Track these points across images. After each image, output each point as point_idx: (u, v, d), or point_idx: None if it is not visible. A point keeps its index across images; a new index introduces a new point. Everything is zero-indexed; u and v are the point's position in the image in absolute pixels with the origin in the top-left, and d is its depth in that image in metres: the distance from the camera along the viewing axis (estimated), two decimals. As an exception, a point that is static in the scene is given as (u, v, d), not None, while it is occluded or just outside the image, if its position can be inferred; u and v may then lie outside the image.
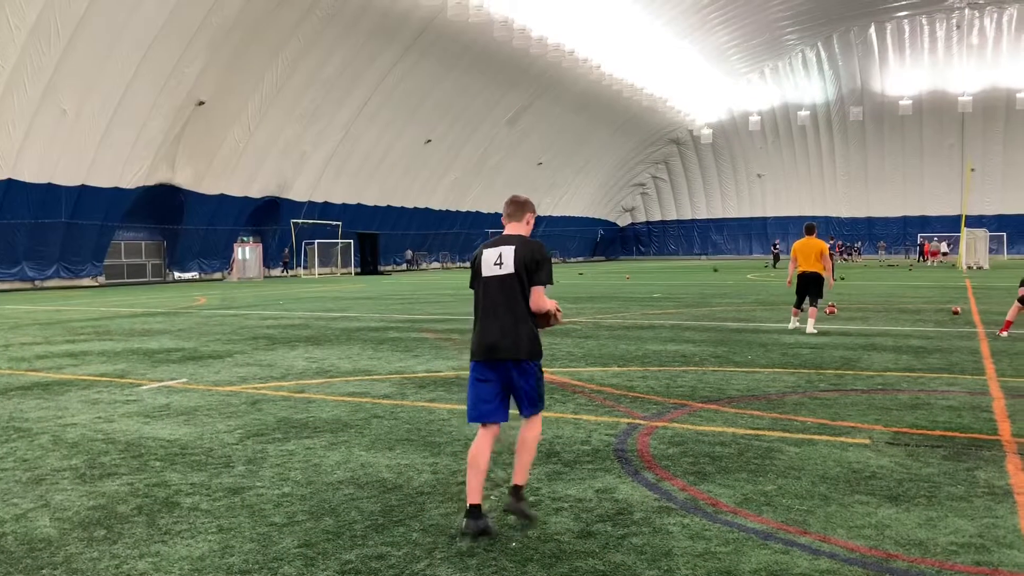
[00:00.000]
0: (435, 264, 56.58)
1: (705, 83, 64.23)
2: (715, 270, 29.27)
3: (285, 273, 43.58)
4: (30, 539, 4.22)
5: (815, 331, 12.94)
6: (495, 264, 4.41)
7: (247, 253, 41.13)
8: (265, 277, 41.60)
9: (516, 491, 4.42)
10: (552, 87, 51.07)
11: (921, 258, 55.00)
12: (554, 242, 69.67)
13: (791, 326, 13.44)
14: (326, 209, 45.22)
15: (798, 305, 13.46)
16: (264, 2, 32.56)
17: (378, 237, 48.42)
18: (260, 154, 39.08)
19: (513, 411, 4.55)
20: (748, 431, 6.42)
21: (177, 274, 39.21)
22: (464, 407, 7.35)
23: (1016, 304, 12.29)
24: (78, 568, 3.83)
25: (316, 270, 44.07)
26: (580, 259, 73.25)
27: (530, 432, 4.49)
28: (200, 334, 14.07)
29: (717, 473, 5.28)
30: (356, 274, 45.62)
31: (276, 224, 43.02)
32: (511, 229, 4.58)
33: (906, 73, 63.76)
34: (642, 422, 6.77)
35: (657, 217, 79.09)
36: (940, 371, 9.28)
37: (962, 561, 3.83)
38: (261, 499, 4.82)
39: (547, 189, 64.05)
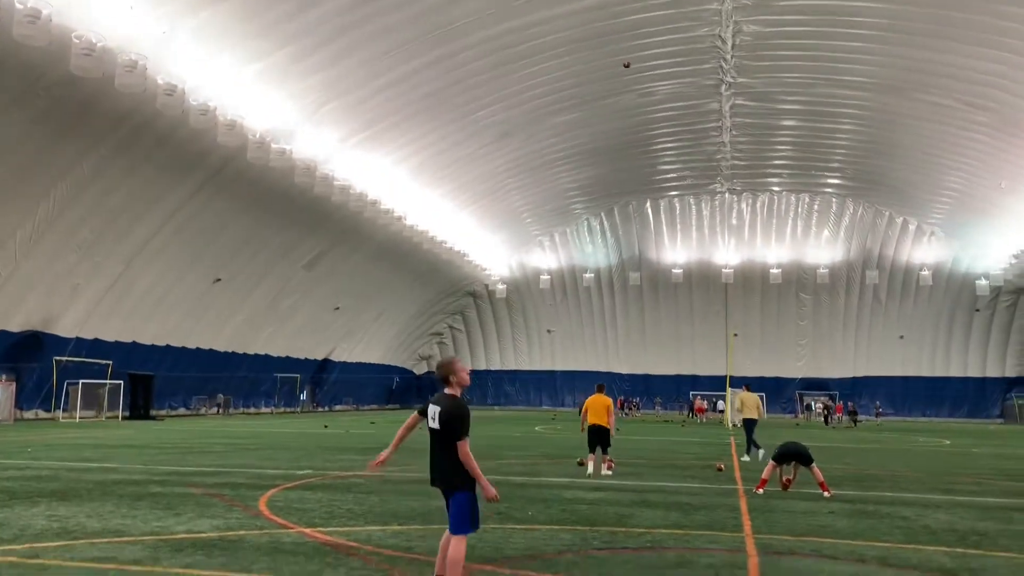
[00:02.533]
0: (215, 411, 53.26)
1: (501, 242, 67.42)
2: (325, 426, 31.93)
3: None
4: None
5: (610, 473, 15.02)
6: (431, 419, 6.05)
7: (-4, 392, 36.80)
8: (17, 420, 37.24)
9: None
10: (353, 234, 51.42)
11: (691, 414, 58.90)
12: (349, 389, 68.20)
13: (589, 470, 15.28)
14: (96, 346, 41.74)
15: (592, 451, 15.44)
16: (49, 128, 30.90)
17: (153, 379, 45.10)
18: (25, 285, 35.87)
19: None
20: (521, 594, 6.36)
21: (-93, 414, 34.25)
22: (224, 574, 6.84)
23: (771, 463, 13.31)
24: None
25: (78, 413, 40.07)
26: (374, 407, 71.92)
27: (455, 552, 5.83)
28: (-80, 487, 12.19)
29: (486, 641, 5.14)
30: (123, 419, 41.93)
31: (37, 361, 39.05)
32: (452, 389, 6.26)
33: (677, 245, 70.40)
34: (416, 587, 6.54)
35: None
36: (704, 528, 9.77)
37: None
38: None
39: (343, 335, 63.18)
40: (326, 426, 36.20)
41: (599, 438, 15.21)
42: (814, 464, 13.06)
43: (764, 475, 13.25)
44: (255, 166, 38.55)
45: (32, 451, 19.31)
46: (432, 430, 6.03)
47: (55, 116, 30.67)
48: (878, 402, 61.81)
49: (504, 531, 9.18)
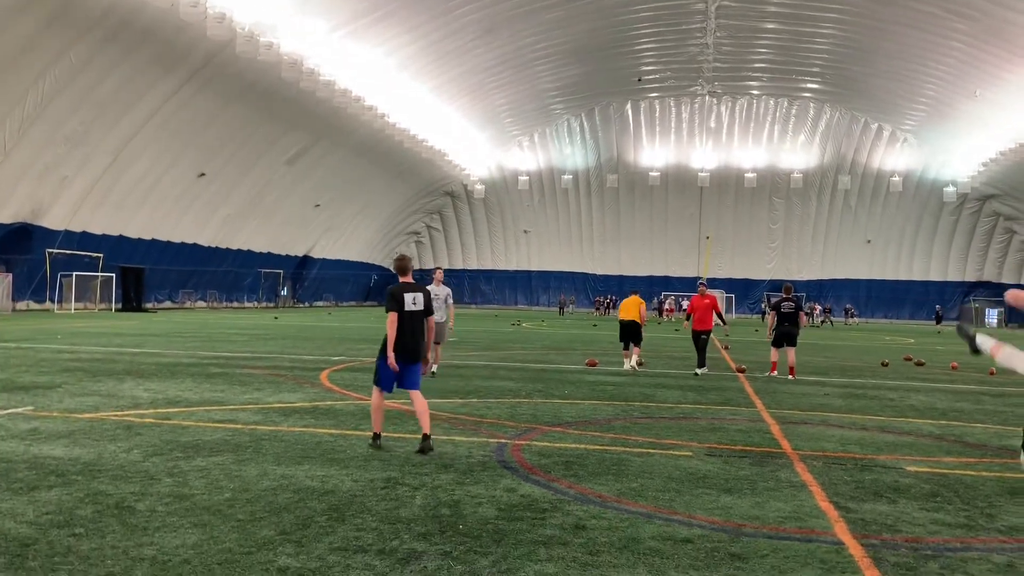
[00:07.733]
0: (200, 303, 54.12)
1: (481, 141, 67.53)
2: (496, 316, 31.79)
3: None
4: (9, 538, 4.42)
5: (637, 366, 15.73)
6: (412, 303, 7.28)
7: (-7, 283, 37.31)
8: (13, 311, 37.87)
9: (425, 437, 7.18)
10: (335, 130, 51.40)
11: (661, 315, 61.05)
12: (328, 286, 69.15)
13: (625, 367, 15.76)
14: (85, 239, 42.10)
15: (625, 346, 16.18)
16: (35, 17, 30.46)
17: (143, 272, 45.71)
18: (14, 176, 35.89)
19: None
20: (596, 447, 7.66)
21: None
22: (342, 432, 8.03)
23: (773, 348, 15.24)
24: (87, 556, 4.16)
25: (72, 305, 40.74)
26: (353, 303, 73.17)
27: (423, 403, 7.35)
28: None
29: (589, 476, 6.42)
30: (117, 310, 42.71)
31: (27, 253, 39.40)
32: (408, 278, 7.46)
33: (655, 147, 71.09)
34: (507, 441, 7.81)
35: (430, 265, 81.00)
36: (721, 404, 11.17)
37: (788, 526, 5.23)
38: (212, 502, 5.25)
39: (323, 232, 63.73)
40: (329, 314, 37.34)
41: (630, 332, 16.03)
42: (794, 349, 15.03)
43: (773, 358, 15.22)
44: (241, 60, 38.27)
45: (62, 338, 20.25)
46: (415, 312, 7.26)
47: (44, 5, 30.24)
48: (850, 305, 64.98)
49: (552, 405, 10.48)
